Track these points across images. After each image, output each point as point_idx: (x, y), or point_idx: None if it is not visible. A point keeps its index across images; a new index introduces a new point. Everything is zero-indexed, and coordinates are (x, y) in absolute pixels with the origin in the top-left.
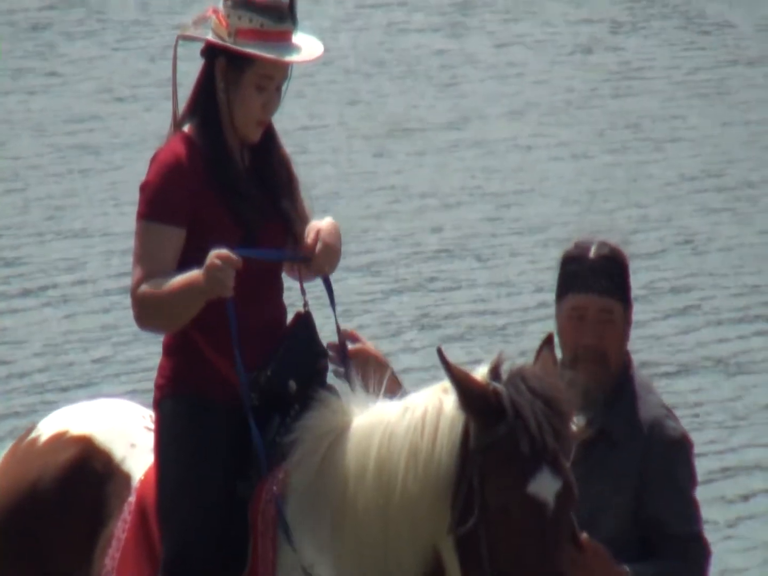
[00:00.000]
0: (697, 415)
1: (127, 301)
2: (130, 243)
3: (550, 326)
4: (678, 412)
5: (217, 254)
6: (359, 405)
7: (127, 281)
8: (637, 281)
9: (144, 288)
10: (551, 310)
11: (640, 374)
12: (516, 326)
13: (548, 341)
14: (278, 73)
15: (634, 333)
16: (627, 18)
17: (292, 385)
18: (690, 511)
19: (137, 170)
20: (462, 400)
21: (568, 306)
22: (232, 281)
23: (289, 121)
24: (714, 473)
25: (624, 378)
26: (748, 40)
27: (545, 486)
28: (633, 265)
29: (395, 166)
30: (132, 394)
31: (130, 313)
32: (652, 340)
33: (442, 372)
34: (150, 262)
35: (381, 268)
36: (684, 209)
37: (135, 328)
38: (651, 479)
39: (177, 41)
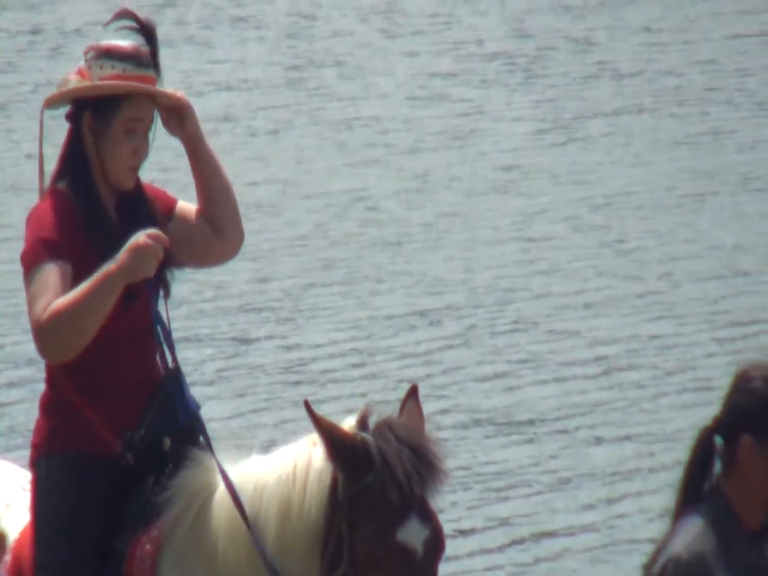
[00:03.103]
0: None
1: None
2: None
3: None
4: None
5: (147, 233)
6: (231, 462)
7: None
8: None
9: (50, 308)
10: None
11: None
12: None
13: (412, 392)
14: (145, 114)
15: None
16: (460, 67)
17: (167, 441)
18: None
19: None
20: (329, 451)
21: None
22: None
23: None
24: None
25: None
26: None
27: (413, 533)
28: None
29: None
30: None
31: None
32: None
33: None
34: (48, 292)
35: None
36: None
37: None
38: None
39: (42, 109)
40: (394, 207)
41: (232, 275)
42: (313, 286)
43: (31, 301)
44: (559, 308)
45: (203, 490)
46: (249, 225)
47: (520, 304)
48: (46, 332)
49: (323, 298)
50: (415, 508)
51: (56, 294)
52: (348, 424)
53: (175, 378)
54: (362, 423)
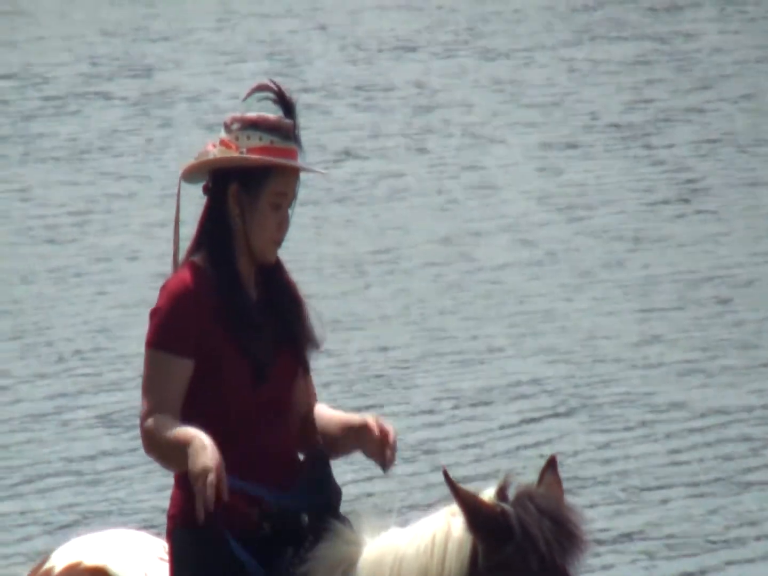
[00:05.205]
0: None
1: None
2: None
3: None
4: None
5: (216, 462)
6: (371, 534)
7: None
8: None
9: (149, 423)
10: None
11: None
12: None
13: (551, 463)
14: (290, 189)
15: None
16: None
17: (304, 518)
18: None
19: None
20: (469, 521)
21: None
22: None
23: None
24: None
25: None
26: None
27: None
28: None
29: None
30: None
31: None
32: None
33: None
34: (157, 393)
35: None
36: None
37: None
38: None
39: (181, 178)
40: (511, 278)
41: (344, 344)
42: (424, 357)
43: (143, 390)
44: (669, 377)
45: (343, 563)
46: (360, 286)
47: (632, 373)
48: (143, 440)
49: (433, 371)
50: None
51: (167, 396)
52: (487, 494)
53: (321, 459)
54: (502, 493)
